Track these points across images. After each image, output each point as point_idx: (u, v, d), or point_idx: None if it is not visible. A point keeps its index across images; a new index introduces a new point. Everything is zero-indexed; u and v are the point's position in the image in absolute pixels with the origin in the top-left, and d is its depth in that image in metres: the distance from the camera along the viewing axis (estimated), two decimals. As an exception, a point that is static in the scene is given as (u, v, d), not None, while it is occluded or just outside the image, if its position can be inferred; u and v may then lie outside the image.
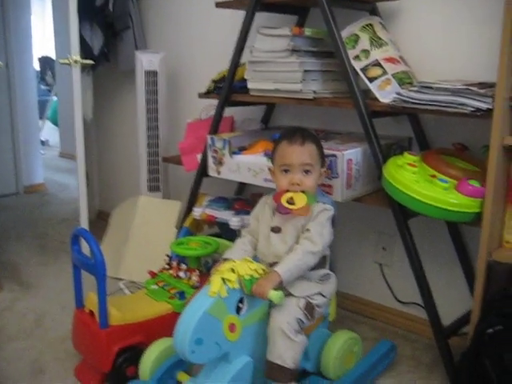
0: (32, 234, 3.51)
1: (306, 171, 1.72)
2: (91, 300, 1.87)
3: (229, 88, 2.23)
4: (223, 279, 1.53)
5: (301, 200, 1.67)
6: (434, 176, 1.71)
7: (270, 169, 1.84)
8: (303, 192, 1.70)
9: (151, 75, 2.76)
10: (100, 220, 3.60)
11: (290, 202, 1.68)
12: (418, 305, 2.20)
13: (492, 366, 1.51)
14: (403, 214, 1.83)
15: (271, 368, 1.62)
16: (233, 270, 1.56)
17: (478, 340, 1.60)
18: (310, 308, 1.69)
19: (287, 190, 1.71)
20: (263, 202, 1.85)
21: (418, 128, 2.09)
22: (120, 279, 2.69)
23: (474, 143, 1.92)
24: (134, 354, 1.84)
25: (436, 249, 2.16)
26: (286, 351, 1.61)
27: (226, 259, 1.72)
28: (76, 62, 2.74)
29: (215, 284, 1.51)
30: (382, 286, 2.37)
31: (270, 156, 1.84)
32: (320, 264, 1.72)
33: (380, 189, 1.89)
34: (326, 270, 1.78)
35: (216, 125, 2.31)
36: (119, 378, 1.83)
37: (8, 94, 4.37)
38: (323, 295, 1.74)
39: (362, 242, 2.42)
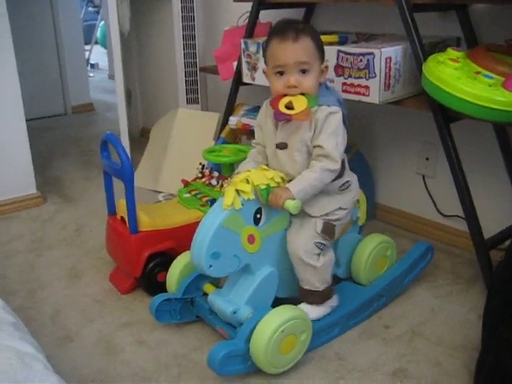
0: (77, 151, 3.55)
1: (303, 71, 1.50)
2: (122, 206, 1.86)
3: (264, -12, 2.11)
4: (237, 191, 1.46)
5: (300, 103, 1.48)
6: (478, 73, 1.57)
7: (264, 71, 1.62)
8: (303, 94, 1.50)
9: (186, -19, 2.64)
10: (143, 138, 3.59)
11: (289, 106, 1.49)
12: (461, 217, 2.09)
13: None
14: (444, 116, 1.70)
15: (303, 293, 1.60)
16: (247, 181, 1.48)
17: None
18: (328, 229, 1.58)
19: (285, 95, 1.52)
20: (263, 110, 1.66)
21: (468, 25, 1.90)
22: (159, 192, 2.68)
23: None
24: (165, 259, 1.83)
25: (482, 158, 2.03)
26: (312, 277, 1.56)
27: (238, 173, 1.60)
28: (110, -31, 2.65)
29: (229, 196, 1.45)
30: (425, 198, 2.26)
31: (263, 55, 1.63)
32: (338, 173, 1.55)
33: (423, 92, 1.76)
34: (344, 178, 1.61)
35: (251, 29, 2.20)
36: (150, 283, 1.84)
37: (51, 13, 4.30)
38: (343, 208, 1.61)
39: (404, 151, 2.29)
